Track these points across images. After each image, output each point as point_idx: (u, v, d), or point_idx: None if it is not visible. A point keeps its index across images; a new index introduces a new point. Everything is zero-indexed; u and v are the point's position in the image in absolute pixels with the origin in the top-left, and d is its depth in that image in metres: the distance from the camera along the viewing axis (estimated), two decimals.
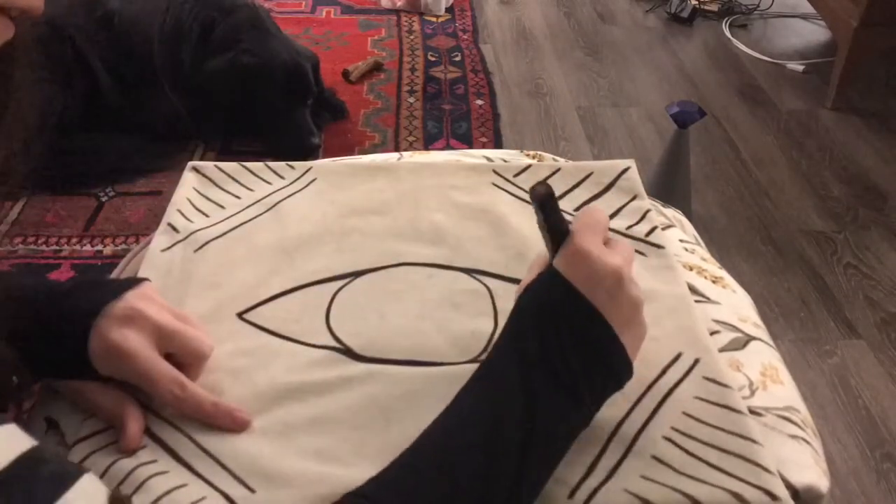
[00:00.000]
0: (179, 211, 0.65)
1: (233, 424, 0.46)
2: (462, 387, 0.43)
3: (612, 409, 0.47)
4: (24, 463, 0.30)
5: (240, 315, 0.55)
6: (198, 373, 0.49)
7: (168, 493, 0.43)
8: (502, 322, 0.54)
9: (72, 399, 0.48)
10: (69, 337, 0.45)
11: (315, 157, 1.56)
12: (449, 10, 2.26)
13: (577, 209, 0.65)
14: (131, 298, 0.46)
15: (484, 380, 0.42)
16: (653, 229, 0.62)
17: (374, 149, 1.65)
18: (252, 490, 0.43)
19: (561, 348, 0.41)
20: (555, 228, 0.44)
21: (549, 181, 0.68)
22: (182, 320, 0.49)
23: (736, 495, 0.42)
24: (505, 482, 0.38)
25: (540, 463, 0.41)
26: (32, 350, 0.42)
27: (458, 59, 2.03)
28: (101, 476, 0.44)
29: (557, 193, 0.65)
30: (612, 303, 0.42)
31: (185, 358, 0.48)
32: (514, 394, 0.40)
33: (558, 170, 0.68)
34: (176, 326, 0.47)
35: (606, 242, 0.45)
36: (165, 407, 0.47)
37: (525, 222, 0.63)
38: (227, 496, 0.43)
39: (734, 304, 0.57)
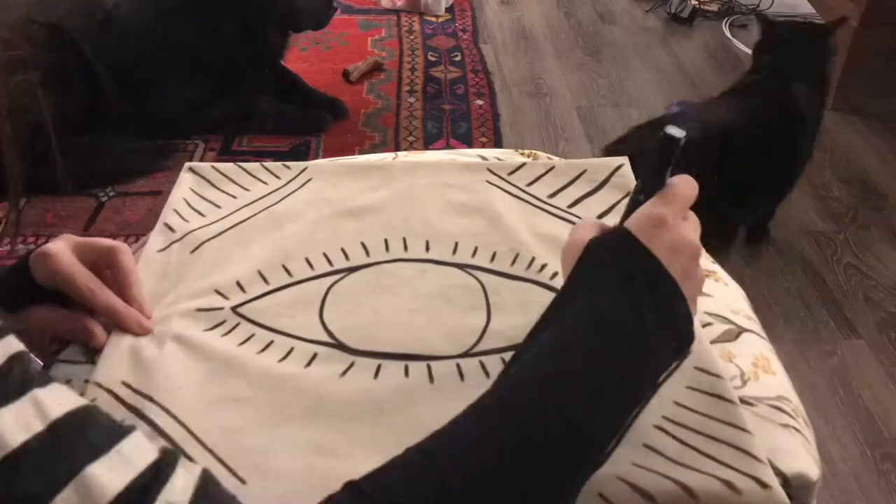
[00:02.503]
0: (176, 211, 0.65)
1: (137, 328, 0.52)
2: (526, 338, 0.40)
3: None
4: (78, 414, 0.32)
5: (234, 309, 0.55)
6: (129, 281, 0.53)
7: None
8: (495, 316, 0.54)
9: (38, 326, 0.53)
10: (13, 269, 0.53)
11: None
12: (449, 10, 2.27)
13: (570, 206, 0.65)
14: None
15: (554, 333, 0.39)
16: None
17: (374, 149, 1.65)
18: (243, 481, 0.43)
19: (637, 309, 0.38)
20: (660, 178, 0.41)
21: (543, 179, 0.68)
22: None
23: (727, 483, 0.42)
24: (563, 455, 0.36)
25: (608, 422, 0.38)
26: None
27: (458, 59, 2.03)
28: None
29: (552, 191, 0.66)
30: (685, 277, 0.40)
31: (106, 259, 0.54)
32: (585, 353, 0.37)
33: (552, 167, 0.69)
34: (90, 238, 0.54)
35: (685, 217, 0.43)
36: (83, 301, 0.51)
37: (519, 218, 0.63)
38: None
39: (726, 296, 0.57)
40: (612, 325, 0.38)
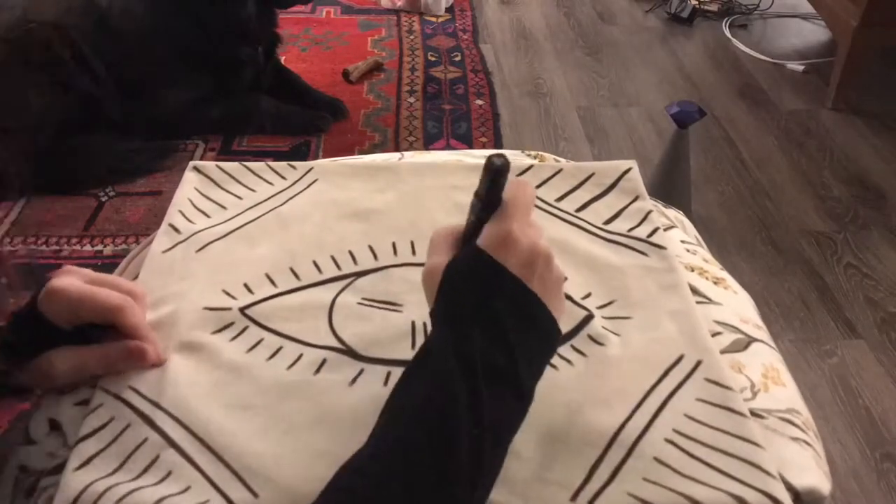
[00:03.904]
0: (181, 212, 0.65)
1: (155, 359, 0.50)
2: (400, 381, 0.41)
3: (613, 412, 0.47)
4: None
5: (242, 310, 0.55)
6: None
7: (171, 496, 0.43)
8: None
9: (61, 369, 0.49)
10: (20, 317, 0.50)
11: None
12: (449, 10, 2.26)
13: (578, 210, 0.65)
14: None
15: (423, 377, 0.40)
16: (654, 230, 0.62)
17: (374, 149, 1.65)
18: (255, 494, 0.43)
19: (505, 338, 0.40)
20: (492, 202, 0.43)
21: (551, 182, 0.68)
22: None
23: (738, 499, 0.42)
24: (460, 477, 0.37)
25: (490, 453, 0.39)
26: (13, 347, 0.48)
27: (458, 59, 2.03)
28: (108, 476, 0.44)
29: (559, 194, 0.66)
30: (543, 284, 0.42)
31: (116, 285, 0.52)
32: (458, 391, 0.38)
33: (560, 170, 0.68)
34: (97, 273, 0.52)
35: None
36: (110, 319, 0.49)
37: None
38: (229, 500, 0.43)
39: (735, 305, 0.57)
40: (483, 367, 0.39)
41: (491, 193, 0.43)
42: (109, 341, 0.50)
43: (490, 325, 0.40)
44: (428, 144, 1.67)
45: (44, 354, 0.49)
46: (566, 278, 0.43)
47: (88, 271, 0.51)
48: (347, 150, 1.62)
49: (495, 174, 0.42)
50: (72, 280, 0.49)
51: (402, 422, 0.39)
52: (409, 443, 0.37)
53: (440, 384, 0.39)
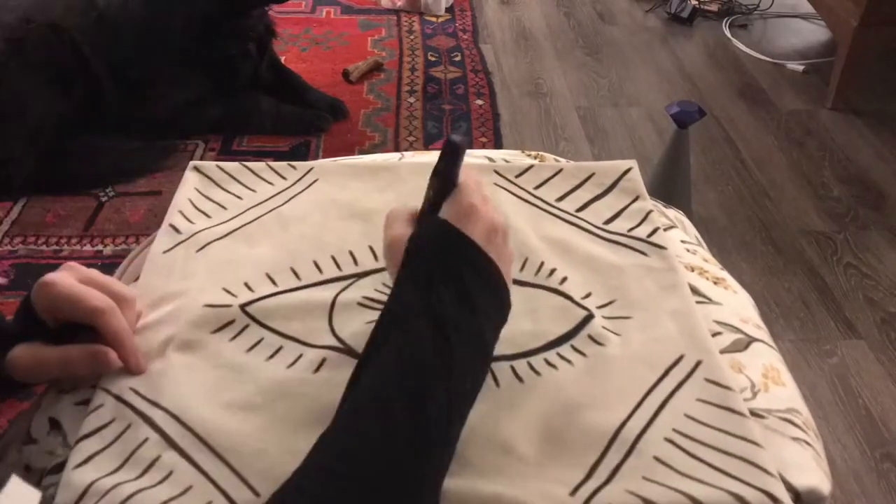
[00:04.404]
0: (181, 212, 0.65)
1: (134, 367, 0.50)
2: (372, 342, 0.42)
3: (613, 412, 0.47)
4: None
5: (243, 308, 0.55)
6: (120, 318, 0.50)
7: (174, 498, 0.43)
8: None
9: (61, 364, 0.49)
10: (20, 306, 0.50)
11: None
12: (449, 10, 2.26)
13: (578, 210, 0.65)
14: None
15: (393, 338, 0.42)
16: (655, 230, 0.62)
17: (374, 149, 1.65)
18: (257, 493, 0.43)
19: (470, 298, 0.42)
20: (450, 179, 0.46)
21: (552, 182, 0.68)
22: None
23: (737, 497, 0.42)
24: (430, 434, 0.39)
25: (458, 412, 0.42)
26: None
27: (458, 59, 2.03)
28: (110, 475, 0.44)
29: (559, 194, 0.66)
30: (500, 256, 0.45)
31: (107, 287, 0.51)
32: (428, 350, 0.40)
33: (560, 170, 0.68)
34: (95, 273, 0.51)
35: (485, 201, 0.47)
36: (89, 322, 0.49)
37: (526, 222, 0.63)
38: (231, 500, 0.43)
39: (735, 305, 0.57)
40: (452, 327, 0.41)
41: (450, 171, 0.45)
42: (93, 343, 0.49)
43: (457, 289, 0.42)
44: (428, 144, 1.67)
45: (14, 347, 0.48)
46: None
47: (87, 270, 0.51)
48: (347, 150, 1.62)
49: (456, 151, 0.45)
50: (64, 276, 0.49)
51: (380, 392, 0.40)
52: (386, 414, 0.39)
53: (413, 348, 0.41)
